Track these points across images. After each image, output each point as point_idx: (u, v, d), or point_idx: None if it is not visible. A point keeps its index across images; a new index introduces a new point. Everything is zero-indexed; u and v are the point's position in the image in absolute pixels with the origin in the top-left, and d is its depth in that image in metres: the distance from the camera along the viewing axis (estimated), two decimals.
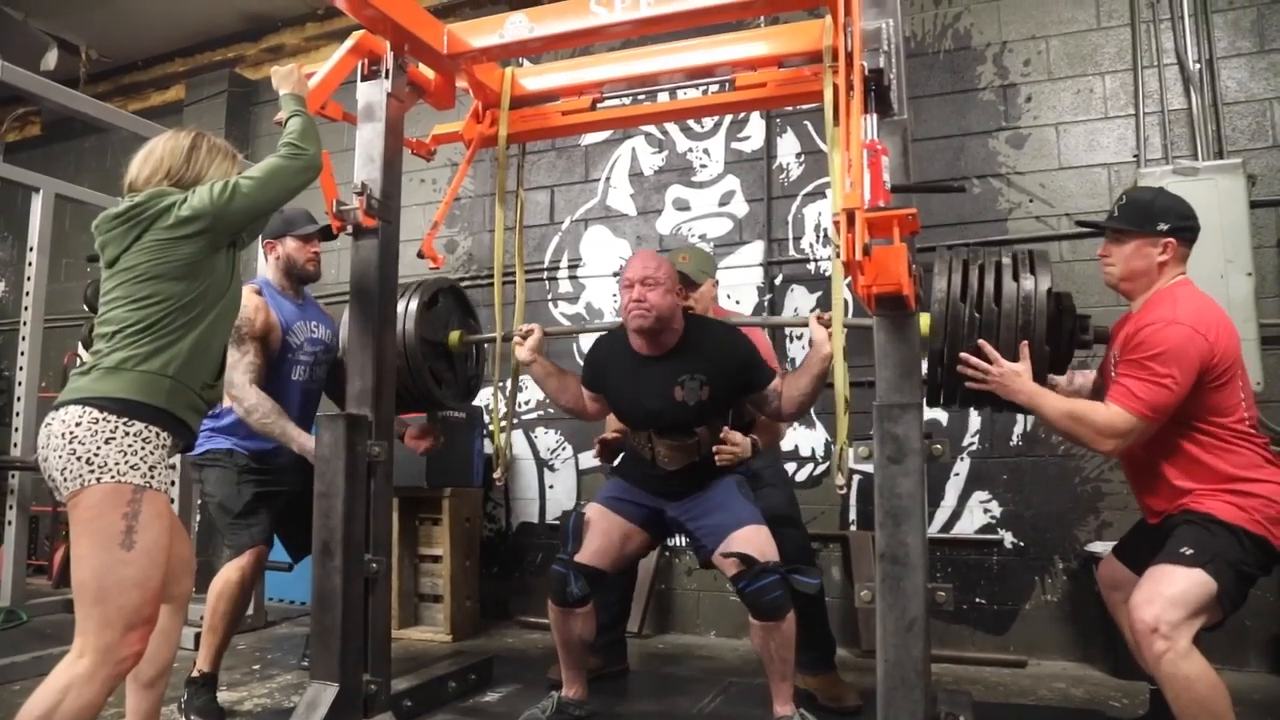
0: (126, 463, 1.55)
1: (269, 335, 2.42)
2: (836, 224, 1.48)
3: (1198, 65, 3.15)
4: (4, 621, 3.47)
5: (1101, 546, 2.97)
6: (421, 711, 2.39)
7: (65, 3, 4.60)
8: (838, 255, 1.49)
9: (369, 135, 2.31)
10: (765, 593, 2.00)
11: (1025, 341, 1.81)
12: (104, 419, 1.56)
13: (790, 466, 3.48)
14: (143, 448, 1.58)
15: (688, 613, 3.62)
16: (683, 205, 3.85)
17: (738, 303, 3.65)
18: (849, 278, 1.64)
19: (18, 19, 4.63)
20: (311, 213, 2.62)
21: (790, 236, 3.65)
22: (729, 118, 3.81)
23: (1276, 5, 3.13)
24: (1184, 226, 1.88)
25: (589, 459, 3.80)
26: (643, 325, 2.13)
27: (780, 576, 2.02)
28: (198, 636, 2.43)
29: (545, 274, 4.05)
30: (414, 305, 2.46)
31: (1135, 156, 3.19)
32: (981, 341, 1.82)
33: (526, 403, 4.00)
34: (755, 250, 3.70)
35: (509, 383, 2.50)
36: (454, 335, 2.57)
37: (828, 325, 2.09)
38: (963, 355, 1.83)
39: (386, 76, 2.30)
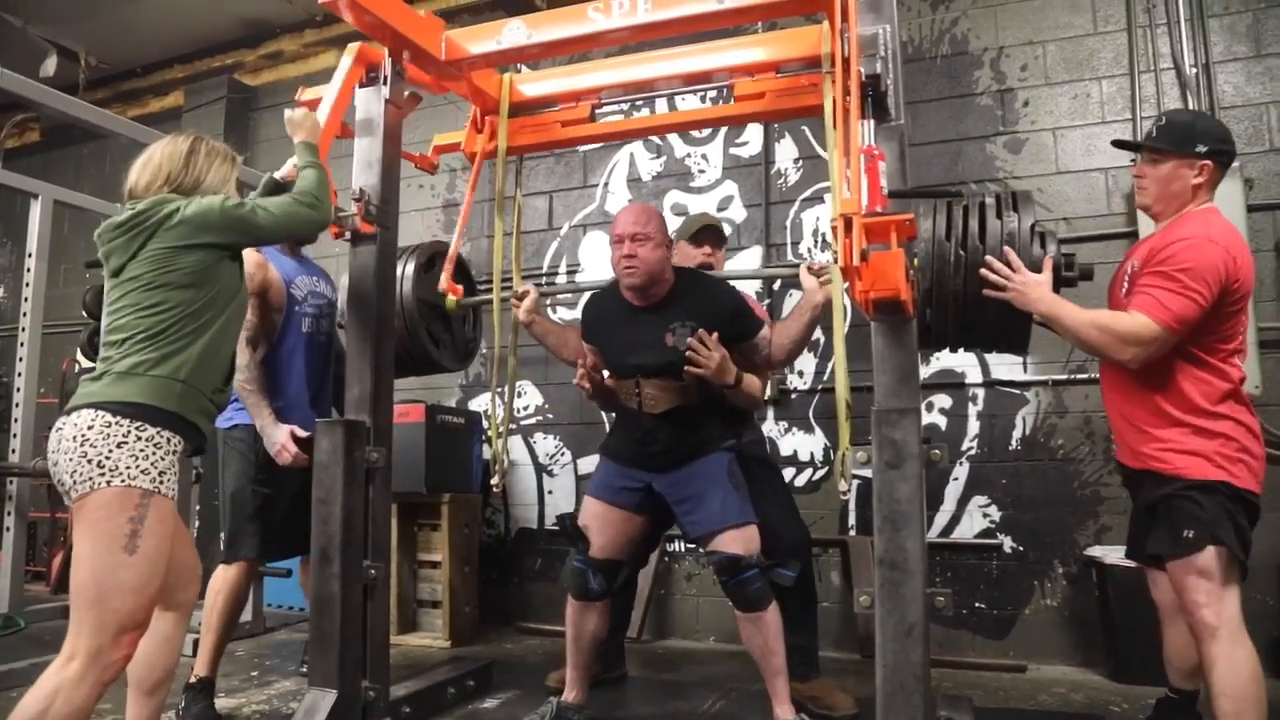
0: (137, 467, 1.56)
1: (268, 292, 2.43)
2: (834, 229, 1.48)
3: (1194, 70, 3.16)
4: (2, 628, 3.46)
5: (1101, 550, 2.97)
6: (420, 717, 2.38)
7: (65, 9, 4.61)
8: (836, 261, 1.50)
9: (367, 142, 2.31)
10: (746, 585, 2.09)
11: (1048, 255, 1.84)
12: (117, 423, 1.57)
13: (789, 472, 3.48)
14: (154, 452, 1.59)
15: (687, 618, 3.62)
16: (681, 210, 3.85)
17: None
18: (847, 283, 1.65)
19: (17, 25, 4.65)
20: None
21: (789, 241, 3.66)
22: None
23: (1272, 10, 3.14)
24: (1222, 150, 1.88)
25: (588, 464, 3.80)
26: (633, 282, 2.17)
27: (760, 570, 2.09)
28: (195, 642, 2.43)
29: (544, 279, 4.06)
30: (411, 268, 2.53)
31: (1133, 160, 3.20)
32: (1007, 249, 1.84)
33: (525, 408, 4.01)
34: (753, 256, 3.70)
35: (506, 389, 2.50)
36: (451, 297, 2.60)
37: (818, 274, 2.20)
38: (987, 259, 1.84)
39: (385, 83, 2.31)
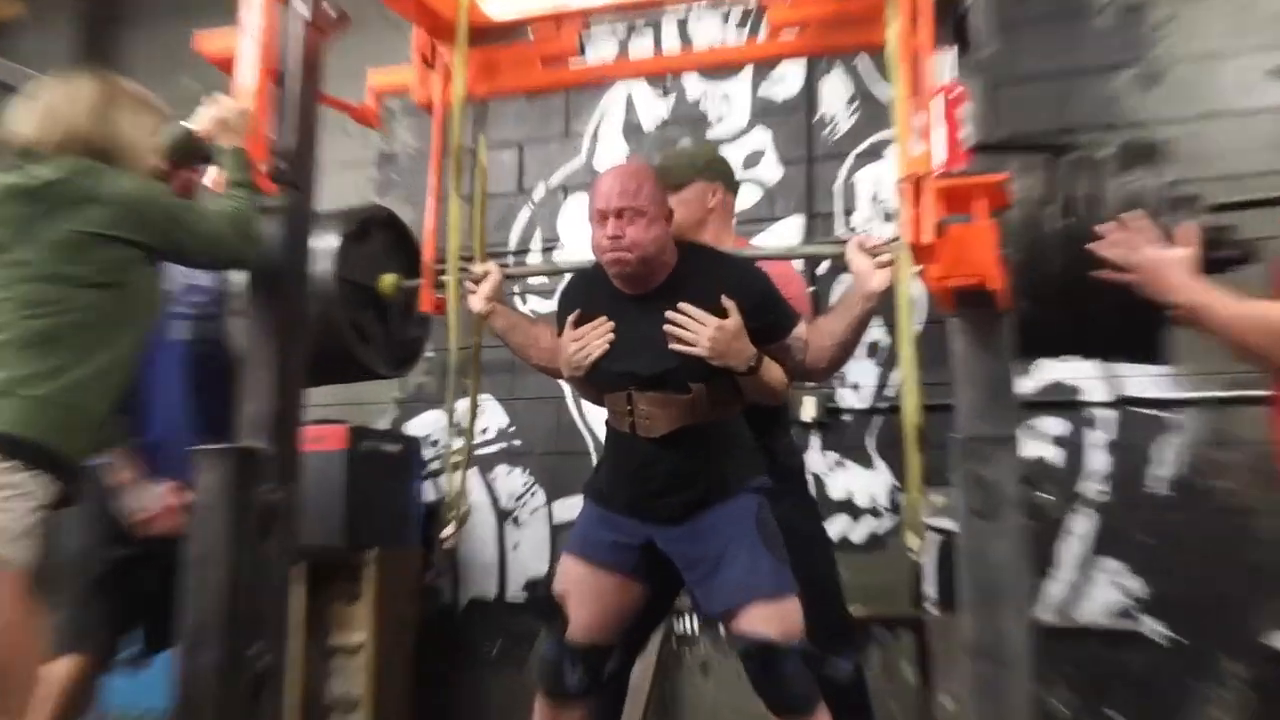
0: None
1: None
2: (901, 194, 1.49)
3: None
4: None
5: None
6: None
7: None
8: (901, 237, 1.51)
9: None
10: (784, 681, 2.03)
11: (1193, 224, 1.80)
12: None
13: (840, 522, 3.48)
14: (20, 505, 1.58)
15: None
16: None
17: None
18: (918, 266, 1.65)
19: None
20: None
21: (839, 210, 3.67)
22: None
23: None
24: None
25: (567, 508, 3.79)
26: (623, 271, 2.14)
27: (804, 659, 2.03)
28: None
29: (511, 258, 4.07)
30: (334, 240, 2.53)
31: None
32: (1130, 216, 1.77)
33: (483, 431, 4.00)
34: (792, 227, 3.71)
35: (469, 402, 2.50)
36: (387, 278, 2.60)
37: (874, 254, 2.05)
38: (1102, 229, 1.78)
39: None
